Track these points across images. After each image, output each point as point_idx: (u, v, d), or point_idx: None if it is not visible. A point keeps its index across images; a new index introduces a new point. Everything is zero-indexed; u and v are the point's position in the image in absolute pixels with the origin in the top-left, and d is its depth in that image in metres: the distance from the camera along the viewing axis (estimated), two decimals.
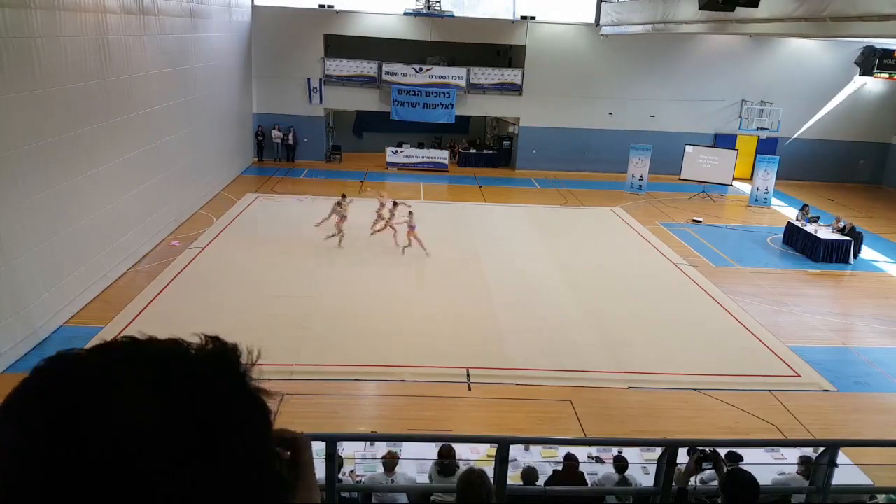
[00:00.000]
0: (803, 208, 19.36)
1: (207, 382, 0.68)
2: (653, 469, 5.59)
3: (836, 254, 17.27)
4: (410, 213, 15.78)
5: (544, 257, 16.74)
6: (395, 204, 16.29)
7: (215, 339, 0.73)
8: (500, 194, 23.34)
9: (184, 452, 0.63)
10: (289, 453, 0.82)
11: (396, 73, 25.93)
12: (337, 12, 25.32)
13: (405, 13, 25.53)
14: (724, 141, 26.38)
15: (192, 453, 0.63)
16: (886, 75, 25.56)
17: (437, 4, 25.57)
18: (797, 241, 18.19)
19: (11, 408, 0.64)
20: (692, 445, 4.84)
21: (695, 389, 10.59)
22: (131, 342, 0.70)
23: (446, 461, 6.64)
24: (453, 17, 25.83)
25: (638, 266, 16.35)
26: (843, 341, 12.85)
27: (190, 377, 0.68)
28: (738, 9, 12.04)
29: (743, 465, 5.41)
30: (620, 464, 7.02)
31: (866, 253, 17.95)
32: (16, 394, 0.65)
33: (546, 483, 6.38)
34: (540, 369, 11.00)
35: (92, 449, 0.59)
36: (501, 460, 4.51)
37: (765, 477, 6.00)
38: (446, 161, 26.87)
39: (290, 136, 26.22)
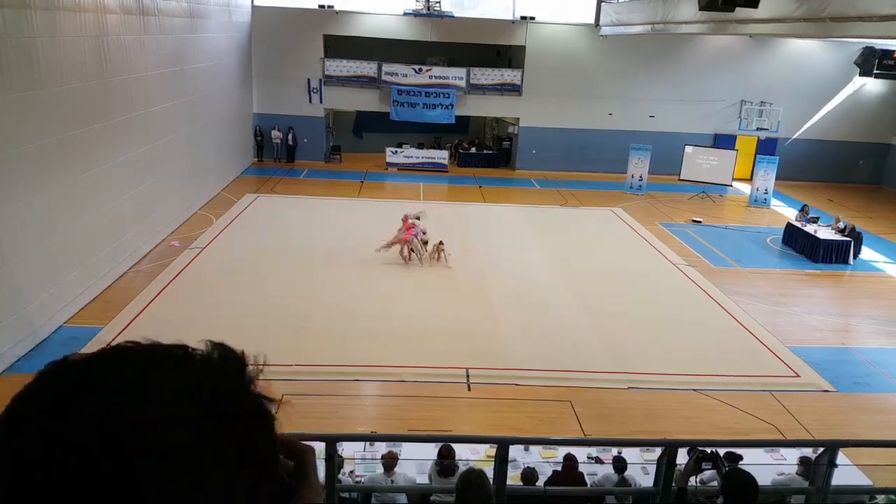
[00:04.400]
0: (803, 209, 19.36)
1: (213, 388, 0.69)
2: (652, 469, 5.59)
3: (835, 254, 17.27)
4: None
5: (544, 257, 16.74)
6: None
7: (221, 345, 0.74)
8: (499, 195, 23.34)
9: (189, 458, 0.63)
10: (292, 463, 0.82)
11: (396, 74, 25.93)
12: (337, 12, 25.32)
13: (405, 13, 25.54)
14: (723, 141, 26.39)
15: (198, 458, 0.63)
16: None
17: (437, 5, 25.58)
18: (797, 242, 18.20)
19: (16, 413, 0.64)
20: (692, 446, 4.84)
21: (694, 390, 10.59)
22: (136, 346, 0.70)
23: (446, 461, 6.64)
24: (453, 17, 25.84)
25: (637, 266, 16.35)
26: (843, 341, 12.85)
27: (196, 382, 0.68)
28: (737, 9, 12.04)
29: (742, 466, 5.41)
30: (620, 464, 7.02)
31: (866, 253, 17.96)
32: (21, 398, 0.65)
33: (546, 483, 6.38)
34: (540, 369, 11.00)
35: (89, 457, 0.59)
36: (501, 460, 4.52)
37: (764, 477, 6.01)
38: (446, 161, 26.87)
39: (291, 137, 26.24)
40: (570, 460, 6.88)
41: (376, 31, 25.71)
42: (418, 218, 15.85)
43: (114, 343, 0.71)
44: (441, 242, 15.53)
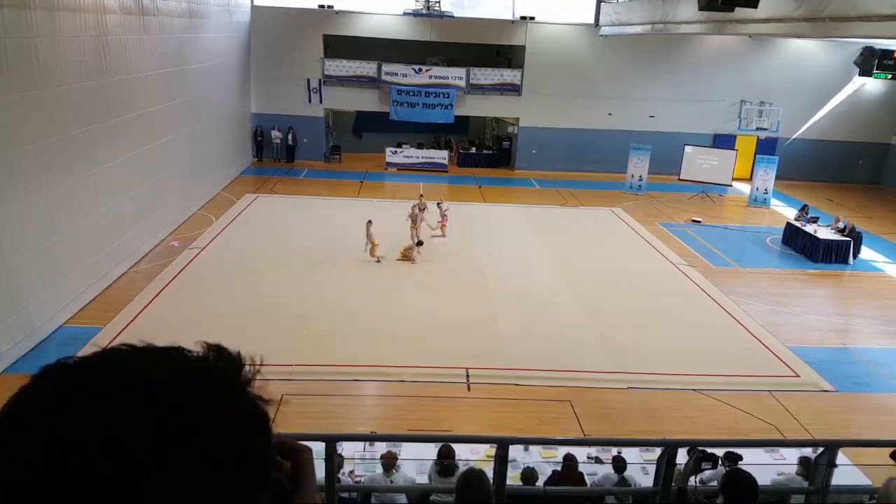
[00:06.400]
0: (803, 209, 19.37)
1: (211, 389, 0.69)
2: (652, 469, 5.59)
3: (835, 254, 17.28)
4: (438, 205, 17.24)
5: (544, 257, 16.74)
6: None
7: (217, 347, 0.74)
8: (499, 195, 23.34)
9: (188, 458, 0.63)
10: (289, 464, 0.82)
11: (396, 74, 25.94)
12: (336, 12, 25.32)
13: (405, 13, 25.54)
14: (723, 141, 26.39)
15: (197, 459, 0.63)
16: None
17: (437, 5, 25.57)
18: (796, 242, 18.20)
19: (15, 413, 0.64)
20: (692, 445, 4.84)
21: (694, 390, 10.59)
22: (130, 349, 0.70)
23: (446, 461, 6.64)
24: (453, 17, 25.83)
25: (637, 266, 16.35)
26: (843, 341, 12.85)
27: (194, 384, 0.68)
28: (737, 9, 12.05)
29: (742, 466, 5.41)
30: (620, 464, 7.02)
31: (865, 253, 17.96)
32: (19, 399, 0.66)
33: (545, 483, 6.38)
34: (540, 369, 11.00)
35: (90, 457, 0.60)
36: (501, 460, 4.52)
37: (764, 477, 6.01)
38: (446, 161, 26.88)
39: (290, 137, 26.24)
40: (569, 460, 6.88)
41: (376, 31, 25.71)
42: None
43: (110, 345, 0.71)
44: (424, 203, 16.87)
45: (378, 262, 15.37)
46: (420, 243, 16.01)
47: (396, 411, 9.84)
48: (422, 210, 17.12)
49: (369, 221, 15.46)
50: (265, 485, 0.71)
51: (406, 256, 15.70)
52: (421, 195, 17.97)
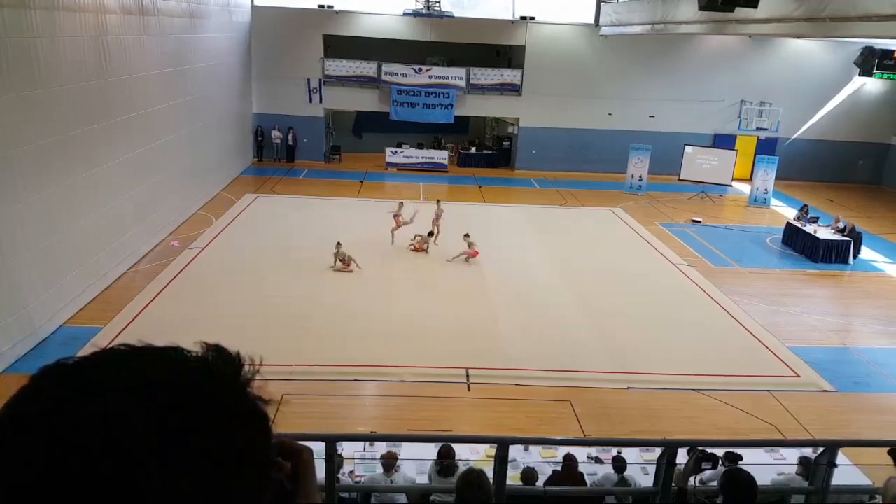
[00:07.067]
0: (803, 209, 19.37)
1: (210, 390, 0.69)
2: (652, 469, 5.59)
3: (835, 254, 17.28)
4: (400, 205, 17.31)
5: (544, 258, 16.74)
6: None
7: (216, 347, 0.74)
8: (499, 195, 23.34)
9: (188, 459, 0.63)
10: (289, 464, 0.82)
11: (396, 74, 25.94)
12: (337, 12, 25.32)
13: (405, 13, 25.53)
14: (723, 141, 26.38)
15: (197, 459, 0.63)
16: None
17: (437, 5, 25.56)
18: (796, 242, 18.20)
19: (15, 414, 0.64)
20: (692, 445, 4.84)
21: (694, 390, 10.59)
22: (131, 349, 0.70)
23: (446, 461, 6.64)
24: (453, 17, 25.82)
25: (637, 266, 16.35)
26: (843, 341, 12.85)
27: (193, 384, 0.68)
28: (737, 9, 12.05)
29: (742, 466, 5.41)
30: (620, 464, 7.02)
31: (865, 253, 17.96)
32: (20, 399, 0.66)
33: (545, 483, 6.38)
34: (540, 369, 11.00)
35: (90, 457, 0.60)
36: (501, 460, 4.52)
37: (764, 477, 6.01)
38: (446, 161, 26.87)
39: (290, 137, 26.25)
40: (569, 460, 6.88)
41: (376, 31, 25.71)
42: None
43: (110, 345, 0.71)
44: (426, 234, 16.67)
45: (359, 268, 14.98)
46: (431, 234, 16.48)
47: (396, 411, 9.84)
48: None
49: (338, 243, 14.95)
50: (265, 485, 0.71)
51: (419, 247, 16.20)
52: (438, 200, 17.98)
